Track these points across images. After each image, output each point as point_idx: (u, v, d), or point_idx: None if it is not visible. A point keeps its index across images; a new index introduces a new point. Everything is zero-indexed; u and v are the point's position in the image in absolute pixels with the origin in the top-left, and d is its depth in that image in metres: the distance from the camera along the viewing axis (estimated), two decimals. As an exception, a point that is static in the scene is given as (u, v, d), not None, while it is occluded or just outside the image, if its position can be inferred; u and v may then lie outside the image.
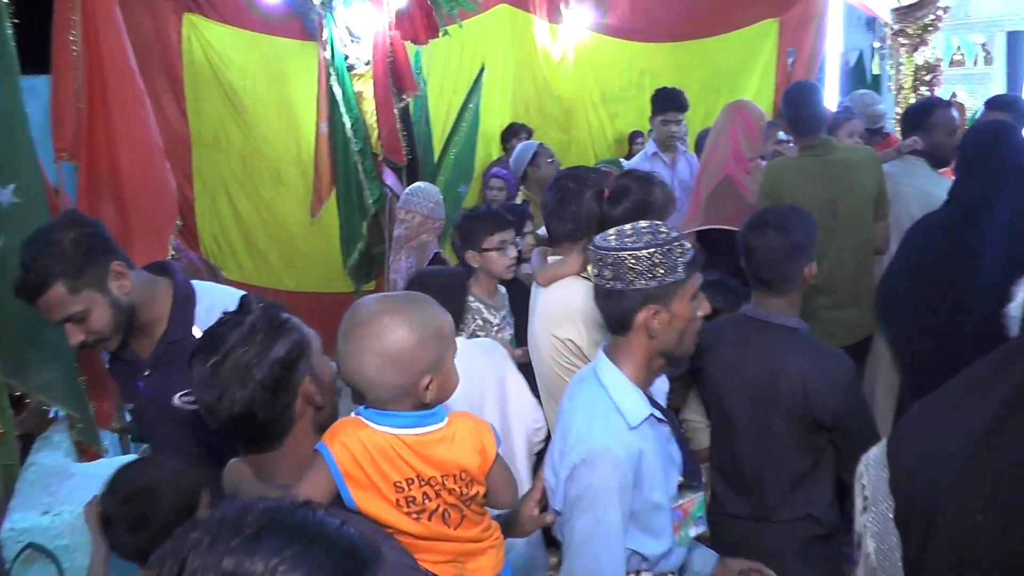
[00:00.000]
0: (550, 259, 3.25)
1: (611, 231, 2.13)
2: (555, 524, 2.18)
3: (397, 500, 1.80)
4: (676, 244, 2.06)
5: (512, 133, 6.91)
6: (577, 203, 3.16)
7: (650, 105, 5.73)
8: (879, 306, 4.05)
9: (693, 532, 2.24)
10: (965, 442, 1.57)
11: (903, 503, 1.68)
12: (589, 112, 7.99)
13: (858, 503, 1.77)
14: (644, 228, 2.11)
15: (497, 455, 1.89)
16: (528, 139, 6.57)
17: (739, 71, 7.95)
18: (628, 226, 2.14)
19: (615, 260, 2.05)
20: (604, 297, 2.13)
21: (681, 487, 2.22)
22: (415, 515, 1.81)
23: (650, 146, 5.83)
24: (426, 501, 1.81)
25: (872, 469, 1.78)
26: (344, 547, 1.08)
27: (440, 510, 1.83)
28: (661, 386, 2.50)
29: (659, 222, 2.17)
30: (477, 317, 3.71)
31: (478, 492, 1.87)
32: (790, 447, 2.75)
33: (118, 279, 2.41)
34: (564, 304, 3.08)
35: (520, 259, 4.12)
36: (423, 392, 1.81)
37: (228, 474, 1.92)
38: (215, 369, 1.71)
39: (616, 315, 2.12)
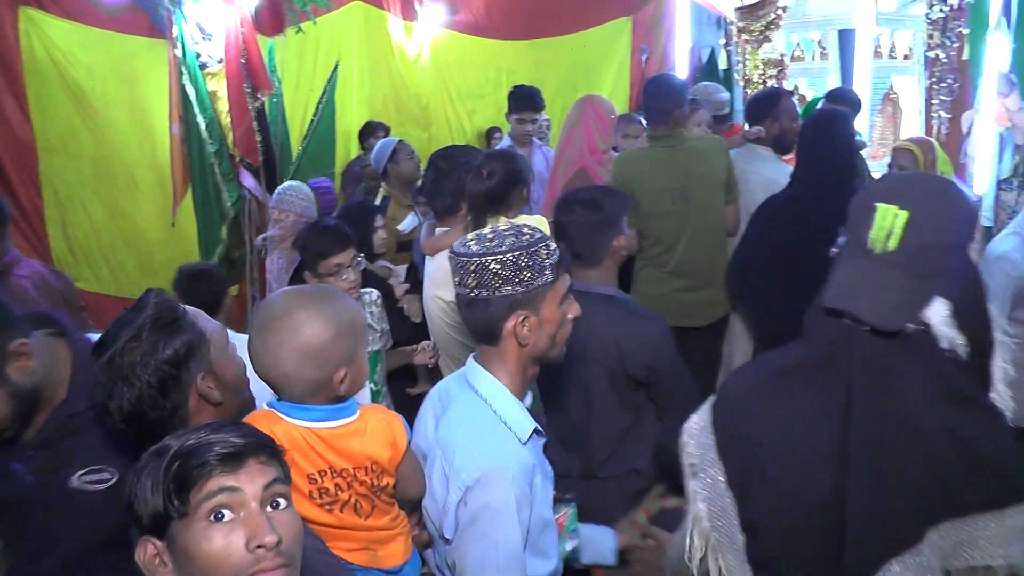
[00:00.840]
0: (437, 231, 3.61)
1: (470, 236, 2.01)
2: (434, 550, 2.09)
3: (311, 492, 1.82)
4: (541, 245, 1.95)
5: (369, 132, 6.85)
6: (450, 179, 3.61)
7: (507, 102, 5.81)
8: (731, 283, 4.24)
9: (569, 546, 2.20)
10: (815, 414, 1.64)
11: (741, 466, 1.73)
12: (447, 109, 8.02)
13: (686, 471, 1.81)
14: (506, 231, 1.98)
15: (407, 447, 1.91)
16: (385, 137, 6.57)
17: (595, 68, 8.13)
18: (488, 230, 2.02)
19: (479, 266, 1.91)
20: (468, 306, 1.98)
21: (556, 501, 2.16)
22: (328, 506, 1.84)
23: (506, 141, 5.91)
24: (339, 492, 1.85)
25: (696, 437, 1.82)
26: None
27: (352, 501, 1.87)
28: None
29: (522, 224, 2.05)
30: None
31: (388, 483, 1.89)
32: (611, 405, 2.94)
33: (20, 360, 1.91)
34: (445, 269, 3.16)
35: (374, 255, 4.19)
36: (337, 385, 1.83)
37: None
38: (104, 368, 1.70)
39: (483, 324, 1.99)
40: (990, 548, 1.51)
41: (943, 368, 1.58)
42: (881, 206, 1.58)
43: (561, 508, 2.17)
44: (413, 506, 2.10)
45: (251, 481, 1.33)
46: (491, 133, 7.84)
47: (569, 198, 3.07)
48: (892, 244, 1.56)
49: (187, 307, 1.85)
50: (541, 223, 3.22)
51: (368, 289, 3.72)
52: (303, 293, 1.91)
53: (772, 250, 3.91)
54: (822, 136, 3.86)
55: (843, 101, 4.98)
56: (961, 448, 1.54)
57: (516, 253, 1.91)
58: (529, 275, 1.93)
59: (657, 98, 4.43)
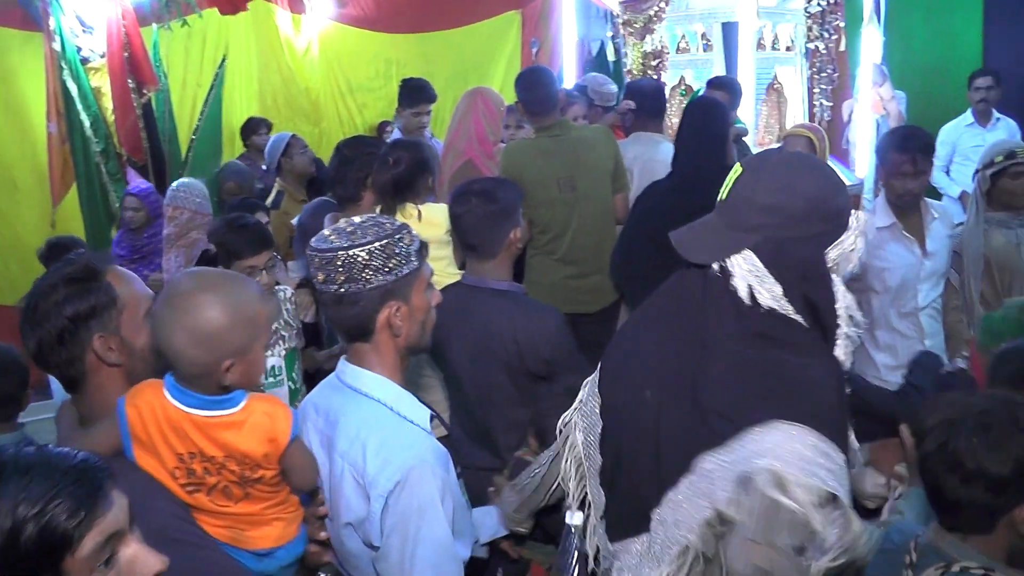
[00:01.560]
0: (340, 222, 3.48)
1: (328, 231, 1.96)
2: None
3: (175, 470, 1.81)
4: (404, 232, 1.95)
5: (251, 129, 6.72)
6: (353, 167, 3.67)
7: (398, 96, 5.79)
8: (615, 267, 4.31)
9: None
10: (652, 341, 1.85)
11: (607, 396, 1.94)
12: (338, 103, 7.96)
13: (574, 405, 2.02)
14: (365, 223, 1.96)
15: (291, 442, 1.88)
16: (268, 133, 6.49)
17: (485, 61, 8.17)
18: (344, 222, 1.99)
19: (346, 260, 1.88)
20: (337, 303, 1.93)
21: None
22: (192, 487, 1.82)
23: (396, 135, 5.89)
24: (207, 476, 1.83)
25: (592, 379, 2.02)
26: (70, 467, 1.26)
27: (221, 486, 1.84)
28: None
29: (377, 215, 2.07)
30: None
31: (264, 475, 1.87)
32: (512, 398, 2.94)
33: None
34: None
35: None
36: (223, 374, 1.80)
37: (58, 417, 1.99)
38: (23, 313, 1.81)
39: (356, 321, 1.95)
40: (767, 458, 1.60)
41: (744, 312, 1.71)
42: (737, 165, 1.77)
43: None
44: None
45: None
46: (382, 127, 7.79)
47: (464, 189, 3.05)
48: (723, 195, 1.77)
49: (120, 270, 1.90)
50: (445, 212, 3.23)
51: (282, 286, 3.66)
52: (211, 276, 1.89)
53: (653, 235, 3.96)
54: (699, 123, 3.97)
55: (723, 89, 5.13)
56: (757, 370, 1.68)
57: (383, 242, 1.90)
58: (397, 263, 1.92)
59: (536, 90, 4.48)
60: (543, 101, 4.47)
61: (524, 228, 4.19)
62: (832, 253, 1.73)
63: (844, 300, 1.75)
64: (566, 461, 2.00)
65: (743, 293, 1.70)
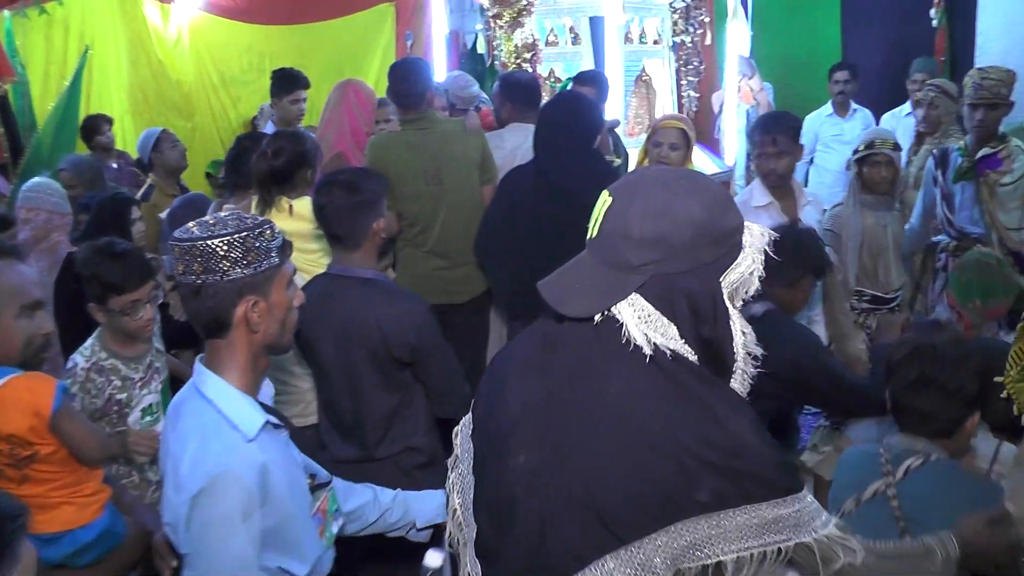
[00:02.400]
0: (225, 208, 3.62)
1: (191, 223, 1.92)
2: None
3: None
4: (266, 228, 1.92)
5: (93, 129, 6.24)
6: (248, 156, 3.67)
7: (271, 86, 5.72)
8: (479, 250, 4.36)
9: (335, 528, 2.17)
10: (525, 403, 1.60)
11: (479, 452, 1.70)
12: (211, 97, 7.78)
13: (450, 464, 1.80)
14: (228, 216, 1.93)
15: (56, 413, 1.82)
16: (110, 130, 6.29)
17: (360, 53, 8.11)
18: (209, 216, 1.94)
19: (205, 250, 1.85)
20: (195, 295, 1.89)
21: (313, 489, 2.12)
22: None
23: (269, 127, 5.81)
24: None
25: (463, 428, 1.79)
26: None
27: None
28: (267, 390, 2.55)
29: (239, 211, 2.04)
30: (113, 378, 3.05)
31: (39, 451, 1.82)
32: (378, 387, 2.98)
33: None
34: None
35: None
36: None
37: None
38: None
39: (212, 314, 1.91)
40: (722, 544, 1.41)
41: (658, 363, 1.49)
42: (604, 193, 1.53)
43: (320, 493, 2.14)
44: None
45: None
46: (254, 120, 7.66)
47: (328, 180, 3.06)
48: (594, 231, 1.52)
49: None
50: None
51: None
52: None
53: (515, 221, 4.05)
54: (559, 114, 4.05)
55: (588, 84, 5.22)
56: (679, 446, 1.44)
57: (243, 235, 1.87)
58: (256, 257, 1.89)
59: (408, 82, 4.50)
60: (414, 93, 4.49)
61: (392, 219, 4.25)
62: (730, 277, 1.52)
63: (743, 338, 1.56)
64: (449, 533, 1.79)
65: (642, 341, 1.48)
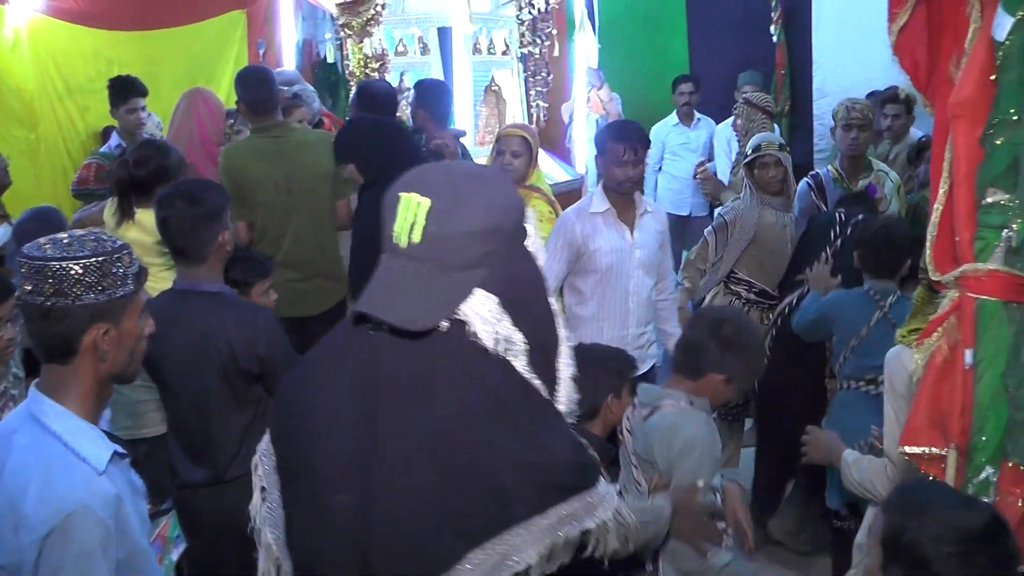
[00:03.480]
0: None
1: (44, 240, 1.85)
2: None
3: None
4: (124, 253, 1.88)
5: None
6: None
7: (109, 97, 5.56)
8: (351, 280, 4.39)
9: (175, 555, 2.14)
10: (336, 431, 1.54)
11: (286, 486, 1.63)
12: (55, 106, 7.40)
13: (256, 496, 1.70)
14: (85, 236, 1.86)
15: None
16: None
17: (211, 61, 7.90)
18: (64, 235, 1.88)
19: (58, 271, 1.77)
20: (43, 317, 1.80)
21: (153, 516, 2.08)
22: None
23: (114, 139, 5.65)
24: None
25: (265, 457, 1.69)
26: None
27: None
28: (104, 414, 2.46)
29: (98, 231, 1.96)
30: None
31: None
32: (229, 403, 2.95)
33: None
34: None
35: None
36: None
37: None
38: None
39: (60, 339, 1.83)
40: (528, 550, 1.45)
41: (485, 372, 1.48)
42: (404, 196, 1.47)
43: (161, 520, 2.12)
44: None
45: None
46: (107, 132, 7.40)
47: (170, 192, 3.02)
48: (416, 236, 1.45)
49: None
50: None
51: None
52: None
53: (376, 243, 4.07)
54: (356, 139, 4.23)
55: (428, 89, 5.18)
56: (505, 461, 1.45)
57: (100, 259, 1.81)
58: (112, 283, 1.83)
59: (257, 88, 4.49)
60: (264, 101, 4.47)
61: (242, 229, 4.22)
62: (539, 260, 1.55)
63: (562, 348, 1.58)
64: (263, 571, 1.69)
65: (490, 341, 1.47)
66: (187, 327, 2.90)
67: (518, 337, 1.49)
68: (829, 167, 4.98)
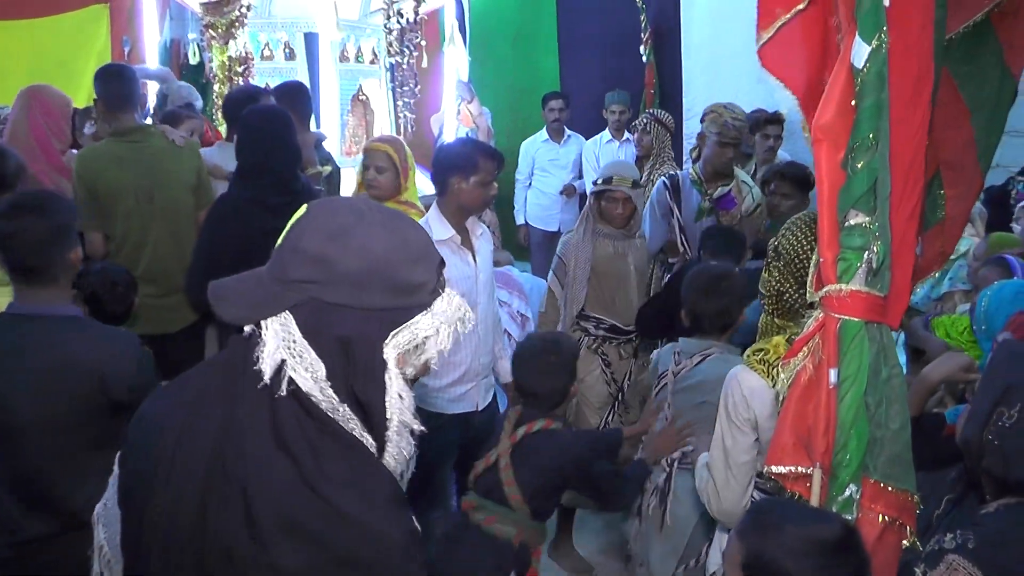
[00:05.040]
0: None
1: None
2: None
3: None
4: None
5: None
6: None
7: None
8: (192, 288, 4.06)
9: None
10: (171, 423, 1.49)
11: (125, 484, 1.56)
12: None
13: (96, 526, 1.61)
14: None
15: None
16: None
17: (71, 58, 7.55)
18: None
19: None
20: None
21: None
22: None
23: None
24: None
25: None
26: None
27: None
28: None
29: None
30: None
31: None
32: (89, 440, 2.64)
33: None
34: None
35: None
36: None
37: None
38: None
39: None
40: None
41: (279, 402, 1.40)
42: (304, 206, 1.48)
43: None
44: None
45: None
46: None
47: (14, 204, 2.67)
48: (280, 240, 1.46)
49: None
50: None
51: None
52: None
53: (229, 253, 3.88)
54: (261, 130, 3.96)
55: (288, 94, 5.09)
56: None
57: None
58: None
59: (115, 84, 4.32)
60: (118, 96, 4.29)
61: (98, 240, 4.03)
62: (400, 336, 1.41)
63: (399, 403, 1.44)
64: (96, 572, 1.60)
65: (268, 371, 1.38)
66: (38, 358, 2.58)
67: (324, 383, 1.40)
68: (690, 169, 4.97)
